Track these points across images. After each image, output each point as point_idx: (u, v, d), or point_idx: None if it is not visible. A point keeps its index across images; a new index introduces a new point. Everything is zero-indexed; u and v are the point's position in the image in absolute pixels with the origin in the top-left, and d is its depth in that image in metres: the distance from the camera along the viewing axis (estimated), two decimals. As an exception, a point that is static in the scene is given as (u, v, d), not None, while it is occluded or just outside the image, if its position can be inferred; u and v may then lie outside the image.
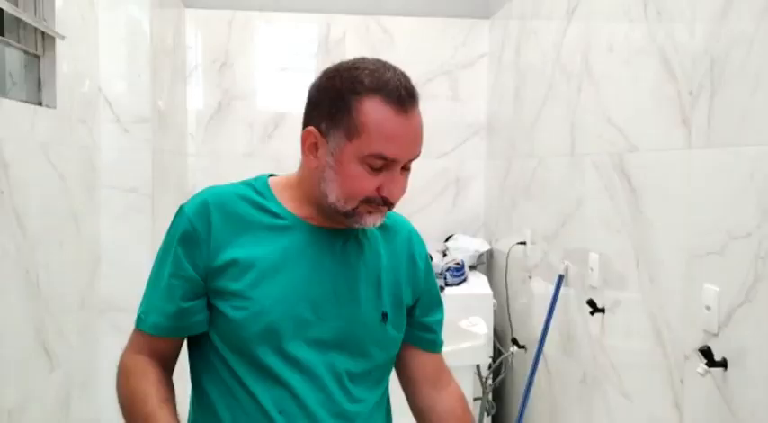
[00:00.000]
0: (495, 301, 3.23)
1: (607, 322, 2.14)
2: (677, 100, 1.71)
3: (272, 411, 1.15)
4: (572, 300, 2.43)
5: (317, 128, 1.15)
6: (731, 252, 1.49)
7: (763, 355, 1.38)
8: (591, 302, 2.17)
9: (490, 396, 3.09)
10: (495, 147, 3.55)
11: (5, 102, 1.84)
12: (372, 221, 1.17)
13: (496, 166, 3.48)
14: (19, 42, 2.08)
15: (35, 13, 2.13)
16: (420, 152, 1.16)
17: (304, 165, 1.20)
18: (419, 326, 1.33)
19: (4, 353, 1.80)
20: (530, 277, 2.93)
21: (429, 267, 1.36)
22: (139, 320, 1.23)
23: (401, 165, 1.14)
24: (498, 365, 3.16)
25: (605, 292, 2.15)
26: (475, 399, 3.00)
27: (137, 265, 2.64)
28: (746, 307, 1.43)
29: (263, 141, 3.52)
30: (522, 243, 2.99)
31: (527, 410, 2.71)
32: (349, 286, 1.21)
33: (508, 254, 3.11)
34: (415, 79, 1.23)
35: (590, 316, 2.18)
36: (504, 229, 3.27)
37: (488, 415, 3.09)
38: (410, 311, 1.32)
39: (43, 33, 2.17)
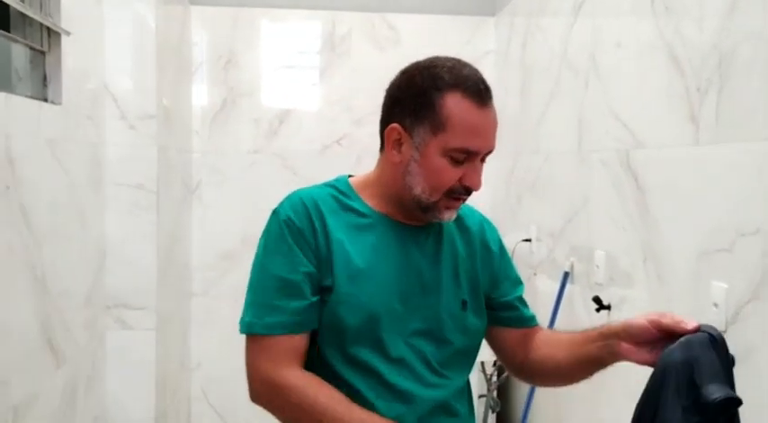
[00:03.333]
0: (501, 299, 3.22)
1: (613, 319, 2.13)
2: (685, 96, 1.70)
3: (371, 398, 1.19)
4: (577, 297, 2.42)
5: (401, 124, 1.19)
6: (739, 249, 1.48)
7: (771, 353, 1.38)
8: (597, 300, 2.16)
9: (495, 393, 3.08)
10: (501, 143, 3.49)
11: (12, 97, 1.84)
12: (449, 216, 1.23)
13: (502, 163, 3.47)
14: (25, 38, 2.08)
15: (41, 9, 2.13)
16: (495, 144, 1.22)
17: (386, 160, 1.25)
18: (501, 306, 1.37)
19: (11, 349, 1.80)
20: (535, 274, 2.93)
21: (503, 250, 1.41)
22: (259, 326, 1.20)
23: (481, 156, 1.20)
24: (499, 367, 3.15)
25: (611, 289, 2.14)
26: (480, 396, 3.00)
27: (143, 261, 2.65)
28: (754, 304, 1.42)
29: (268, 138, 3.52)
30: (527, 240, 2.98)
31: (531, 408, 2.71)
32: (432, 278, 1.26)
33: (513, 250, 3.10)
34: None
35: (596, 313, 2.17)
36: (510, 226, 3.26)
37: (493, 412, 3.09)
38: (490, 295, 1.35)
39: (49, 29, 2.17)
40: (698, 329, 1.03)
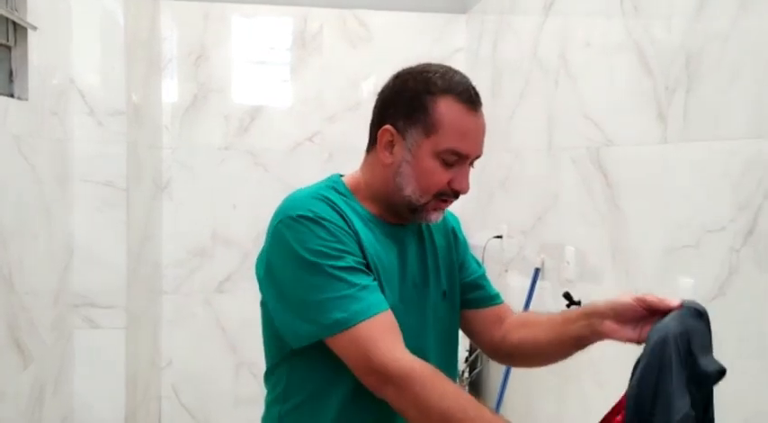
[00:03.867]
0: (472, 295, 3.24)
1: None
2: (653, 95, 1.73)
3: (363, 392, 1.16)
4: (548, 293, 2.45)
5: (394, 126, 1.22)
6: (706, 245, 1.51)
7: (735, 347, 1.40)
8: (567, 295, 2.18)
9: (467, 389, 3.10)
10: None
11: (-24, 93, 1.81)
12: (436, 217, 1.26)
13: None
14: (-10, 33, 2.04)
15: (6, 4, 2.09)
16: (483, 151, 1.24)
17: (377, 162, 1.26)
18: (468, 287, 1.39)
19: (-24, 349, 1.77)
20: (506, 271, 2.95)
21: (464, 236, 1.45)
22: (352, 315, 1.11)
23: (470, 160, 1.23)
24: (474, 359, 3.18)
25: (582, 285, 2.17)
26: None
27: (111, 259, 2.62)
28: (721, 300, 1.45)
29: (239, 134, 3.49)
30: (498, 237, 3.00)
31: (503, 403, 2.73)
32: (421, 276, 1.30)
33: (485, 247, 3.12)
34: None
35: (566, 309, 2.20)
36: (481, 223, 3.28)
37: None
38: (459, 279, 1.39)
39: (15, 24, 2.13)
40: (682, 306, 1.05)
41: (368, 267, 1.18)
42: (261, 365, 1.32)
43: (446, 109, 1.18)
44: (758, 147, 1.33)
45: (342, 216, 1.20)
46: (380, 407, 1.14)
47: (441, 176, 1.20)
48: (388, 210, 1.27)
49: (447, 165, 1.20)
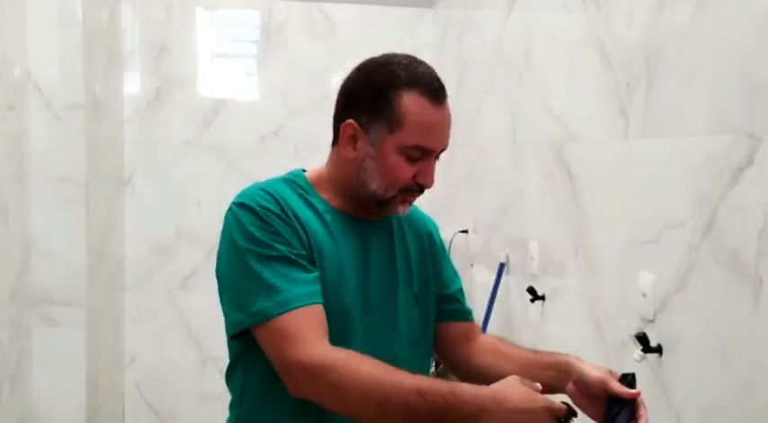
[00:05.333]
0: (438, 290, 3.25)
1: (547, 310, 2.17)
2: (615, 91, 1.74)
3: None
4: (513, 288, 2.46)
5: (357, 120, 1.19)
6: (666, 240, 1.52)
7: (695, 341, 1.42)
8: (531, 290, 2.20)
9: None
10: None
11: (-74, 86, 1.75)
12: (404, 210, 1.25)
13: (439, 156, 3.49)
14: (-59, 24, 1.98)
15: (-42, -6, 2.03)
16: (449, 142, 1.23)
17: (340, 156, 1.24)
18: (444, 299, 1.38)
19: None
20: (472, 265, 2.96)
21: (442, 242, 1.44)
22: (274, 307, 1.09)
23: (435, 154, 1.21)
24: (436, 363, 3.18)
25: (545, 279, 2.18)
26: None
27: (70, 256, 2.57)
28: (680, 294, 1.47)
29: (203, 129, 3.44)
30: (464, 231, 3.01)
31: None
32: (389, 274, 1.27)
33: (450, 242, 3.12)
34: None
35: (530, 303, 2.21)
36: (447, 218, 3.28)
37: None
38: (435, 289, 1.36)
39: (-33, 15, 2.07)
40: (638, 395, 1.11)
41: (312, 262, 1.16)
42: (226, 362, 1.30)
43: (410, 104, 1.16)
44: (716, 143, 1.34)
45: (283, 208, 1.17)
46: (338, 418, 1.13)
47: (405, 172, 1.19)
48: (355, 204, 1.25)
49: (412, 160, 1.18)
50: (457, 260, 3.17)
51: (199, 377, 3.45)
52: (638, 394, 1.10)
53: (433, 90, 1.18)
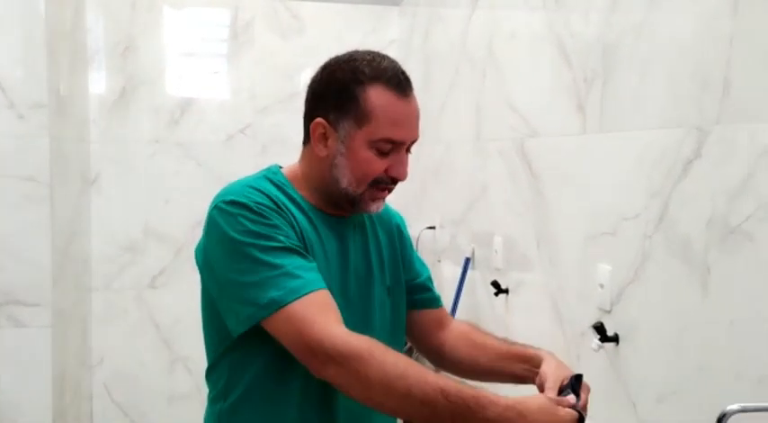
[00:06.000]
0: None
1: (511, 302, 2.20)
2: (573, 86, 1.78)
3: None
4: (478, 281, 2.49)
5: (326, 119, 1.21)
6: (622, 232, 1.56)
7: (650, 330, 1.46)
8: (495, 284, 2.23)
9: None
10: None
11: None
12: (376, 207, 1.25)
13: (407, 152, 3.51)
14: None
15: None
16: (419, 134, 1.23)
17: (312, 155, 1.24)
18: (415, 288, 1.40)
19: None
20: (439, 261, 2.99)
21: (409, 235, 1.45)
22: (288, 294, 1.09)
23: (406, 146, 1.22)
24: (409, 348, 3.20)
25: (509, 273, 2.22)
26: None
27: (35, 256, 2.54)
28: (636, 284, 1.51)
29: (169, 128, 3.43)
30: (431, 227, 3.04)
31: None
32: (364, 270, 1.29)
33: (418, 238, 3.15)
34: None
35: (495, 297, 2.24)
36: (415, 215, 3.31)
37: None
38: (406, 279, 1.38)
39: (-74, 13, 2.04)
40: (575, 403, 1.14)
41: (306, 251, 1.17)
42: (197, 361, 1.30)
43: (376, 98, 1.17)
44: (668, 137, 1.38)
45: (275, 202, 1.18)
46: (320, 406, 1.16)
47: (377, 165, 1.20)
48: (328, 202, 1.26)
49: (382, 153, 1.19)
50: (425, 256, 3.20)
51: (168, 377, 3.44)
52: (577, 402, 1.12)
53: (398, 83, 1.19)
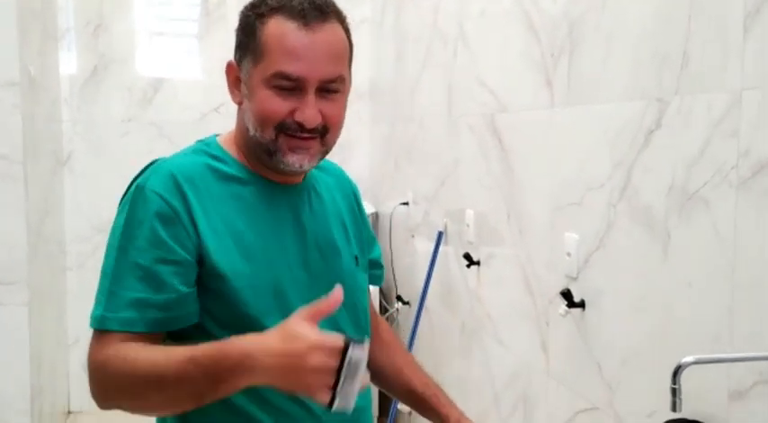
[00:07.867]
0: (381, 262, 3.32)
1: (482, 275, 2.26)
2: (541, 61, 1.82)
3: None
4: (451, 255, 2.54)
5: (236, 60, 1.13)
6: (588, 202, 1.62)
7: (613, 296, 1.52)
8: (467, 256, 2.28)
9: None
10: (378, 112, 3.60)
11: None
12: (298, 161, 1.09)
13: (380, 131, 3.54)
14: None
15: None
16: (339, 73, 1.09)
17: (237, 110, 1.15)
18: (370, 264, 1.33)
19: None
20: (413, 236, 3.03)
21: (362, 205, 1.37)
22: (115, 322, 1.03)
23: (313, 85, 1.07)
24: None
25: (480, 246, 2.27)
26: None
27: (10, 234, 2.55)
28: (601, 252, 1.56)
29: (142, 107, 3.43)
30: (404, 203, 3.08)
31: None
32: (327, 239, 1.19)
33: (392, 215, 3.19)
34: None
35: (467, 269, 2.30)
36: (389, 192, 3.35)
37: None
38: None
39: None
40: None
41: (210, 265, 1.06)
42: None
43: (272, 29, 1.06)
44: (631, 109, 1.43)
45: (188, 200, 1.07)
46: (261, 407, 1.09)
47: (276, 106, 1.06)
48: (264, 163, 1.13)
49: (283, 90, 1.06)
50: (399, 232, 3.26)
51: (145, 355, 3.46)
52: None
53: (301, 11, 1.05)
